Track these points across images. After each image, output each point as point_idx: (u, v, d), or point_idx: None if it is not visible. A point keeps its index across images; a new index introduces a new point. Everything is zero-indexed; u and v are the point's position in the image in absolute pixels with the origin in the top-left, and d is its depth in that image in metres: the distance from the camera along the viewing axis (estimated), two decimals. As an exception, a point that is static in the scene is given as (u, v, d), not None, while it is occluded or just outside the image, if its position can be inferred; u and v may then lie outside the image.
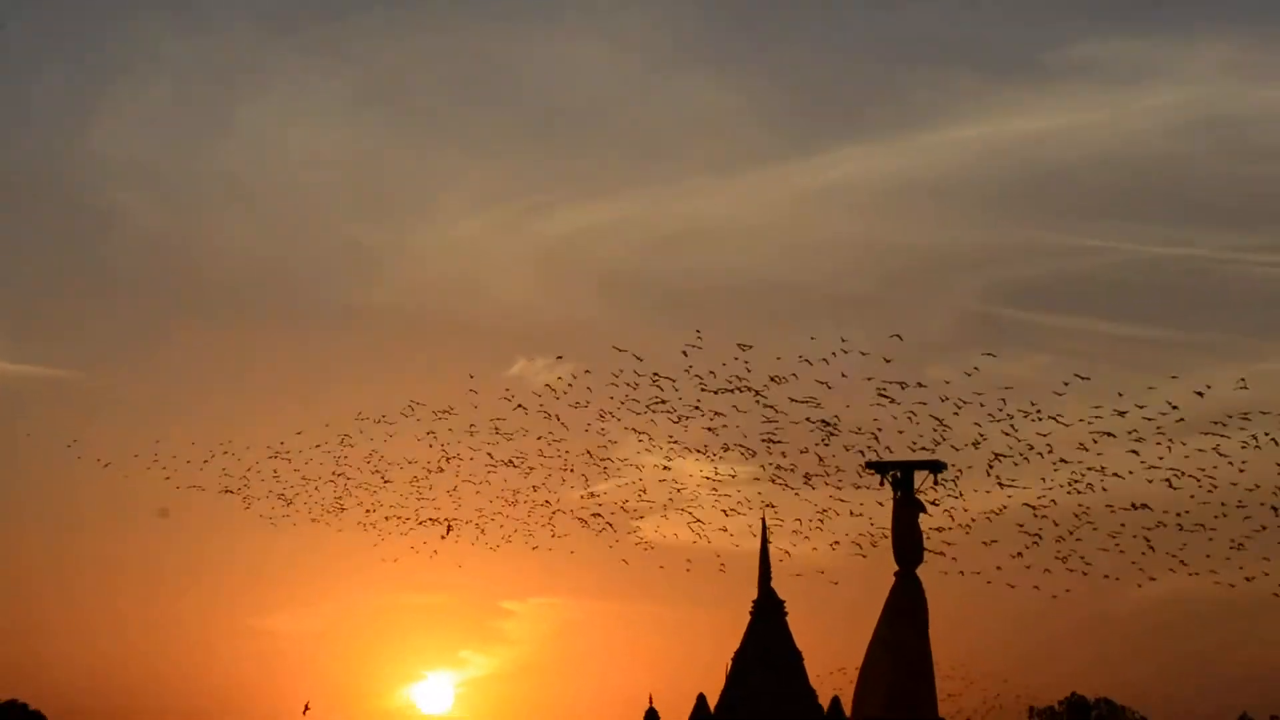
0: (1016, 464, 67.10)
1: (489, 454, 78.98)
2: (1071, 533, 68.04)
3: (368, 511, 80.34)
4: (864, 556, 72.11)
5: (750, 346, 71.10)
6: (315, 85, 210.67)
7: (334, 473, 79.82)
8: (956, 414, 66.50)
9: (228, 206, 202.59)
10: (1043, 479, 67.19)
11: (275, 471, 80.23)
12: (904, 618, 63.92)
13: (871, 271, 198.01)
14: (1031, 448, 67.48)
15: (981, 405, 67.02)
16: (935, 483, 65.01)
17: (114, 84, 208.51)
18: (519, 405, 76.03)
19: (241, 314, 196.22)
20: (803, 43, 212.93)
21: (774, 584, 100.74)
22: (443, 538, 79.01)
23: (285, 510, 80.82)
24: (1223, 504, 66.62)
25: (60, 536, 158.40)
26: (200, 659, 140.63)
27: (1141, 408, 65.47)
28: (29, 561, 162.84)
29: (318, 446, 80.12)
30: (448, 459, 79.58)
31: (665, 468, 76.95)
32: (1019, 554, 69.22)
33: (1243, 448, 64.68)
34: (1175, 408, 65.57)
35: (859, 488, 68.18)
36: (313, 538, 78.95)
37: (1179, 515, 67.09)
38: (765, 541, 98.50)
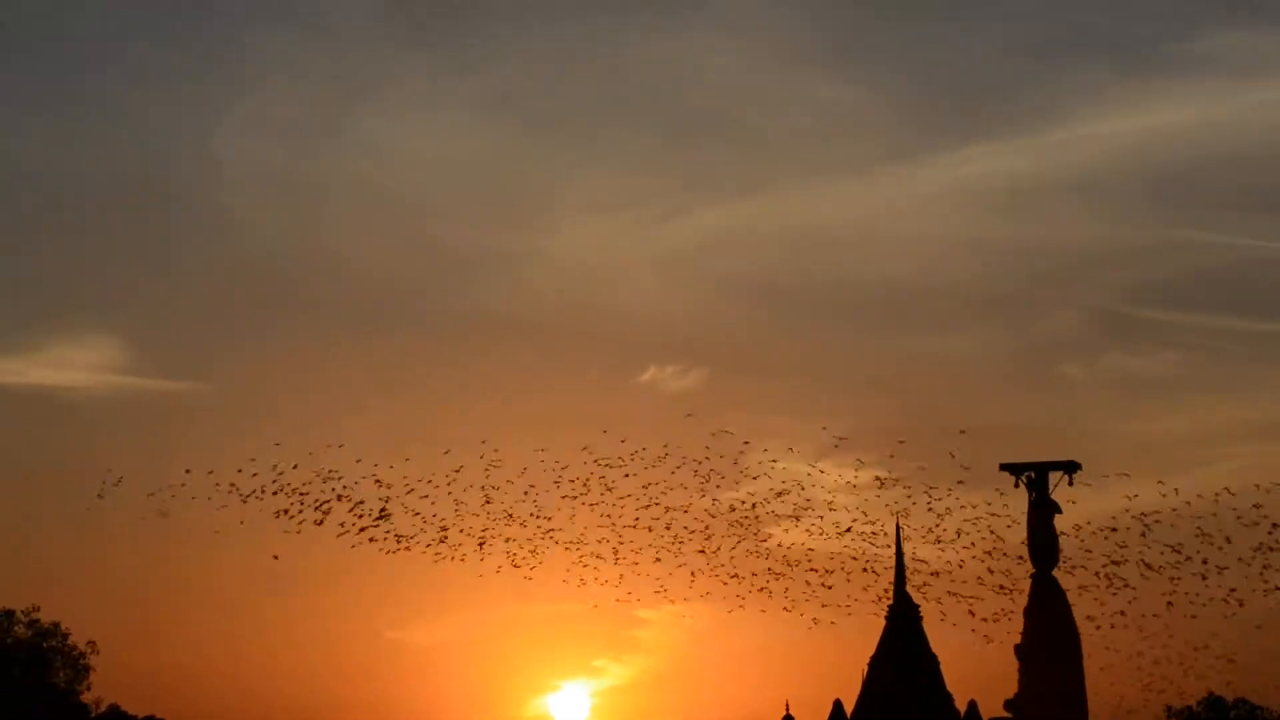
0: (1152, 463, 67.01)
1: (622, 460, 79.66)
2: (1208, 532, 67.75)
3: (509, 519, 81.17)
4: (999, 559, 72.17)
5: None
6: (438, 91, 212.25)
7: (479, 485, 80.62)
8: (1090, 413, 66.43)
9: (350, 214, 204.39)
10: (1177, 477, 67.03)
11: (411, 486, 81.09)
12: (1045, 619, 63.91)
13: (1004, 271, 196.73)
14: (1167, 446, 67.37)
15: (1116, 403, 66.91)
16: (1070, 483, 64.98)
17: (236, 92, 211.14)
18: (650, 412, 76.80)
19: (366, 323, 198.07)
20: (933, 40, 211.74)
21: (909, 588, 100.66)
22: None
23: (417, 523, 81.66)
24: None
25: (192, 550, 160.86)
26: (336, 671, 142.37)
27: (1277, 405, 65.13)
28: (158, 575, 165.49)
29: (447, 452, 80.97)
30: (579, 470, 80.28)
31: (800, 472, 77.31)
32: (1153, 552, 69.03)
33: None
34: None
35: (995, 490, 68.24)
36: (447, 550, 79.49)
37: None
38: (900, 545, 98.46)
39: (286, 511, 79.06)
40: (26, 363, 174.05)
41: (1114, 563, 69.78)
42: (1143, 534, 68.66)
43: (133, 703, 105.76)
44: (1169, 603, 71.63)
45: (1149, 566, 69.13)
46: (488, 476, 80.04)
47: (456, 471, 79.91)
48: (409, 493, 79.93)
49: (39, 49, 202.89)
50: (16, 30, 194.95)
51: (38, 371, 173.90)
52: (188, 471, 78.96)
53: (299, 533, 79.44)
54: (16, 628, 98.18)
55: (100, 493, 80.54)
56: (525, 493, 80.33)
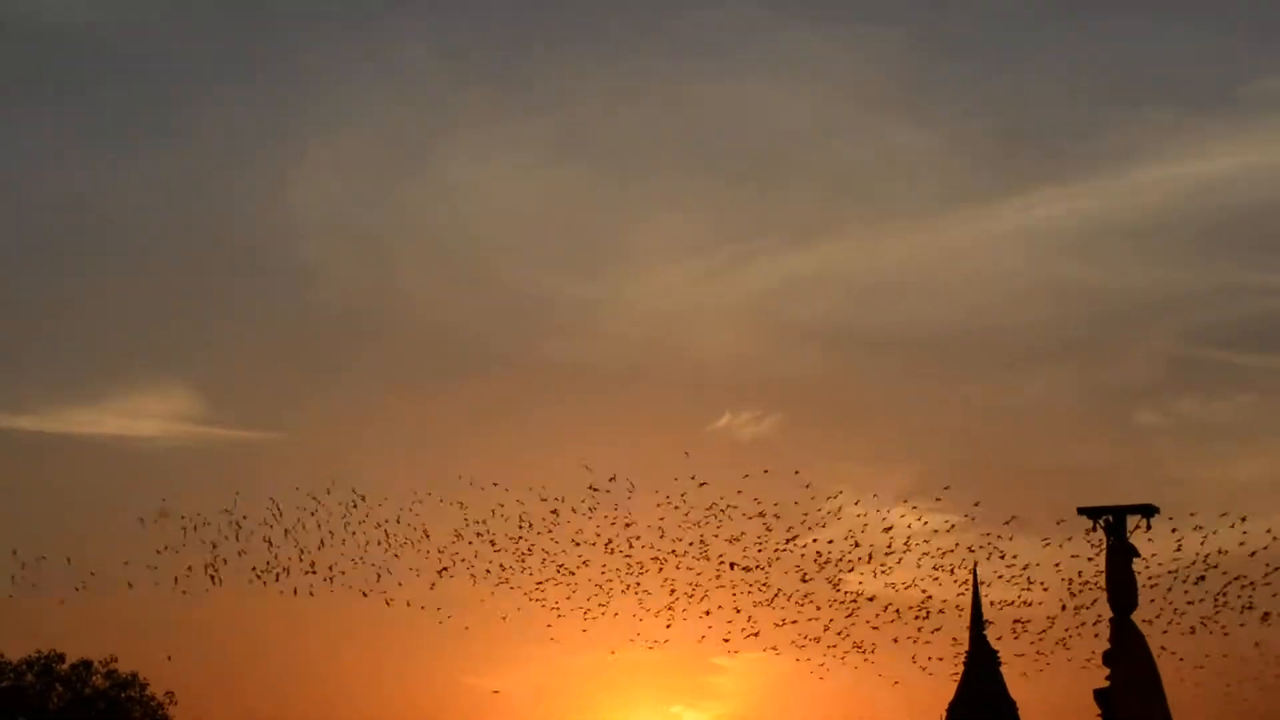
0: (1229, 506, 66.32)
1: (700, 508, 79.71)
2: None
3: (582, 568, 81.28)
4: (1078, 604, 71.57)
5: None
6: (511, 133, 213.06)
7: (547, 531, 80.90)
8: (1165, 457, 65.87)
9: (423, 261, 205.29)
10: (1255, 520, 66.36)
11: (488, 529, 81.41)
12: (1126, 664, 63.36)
13: (1074, 315, 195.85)
14: (1243, 489, 66.72)
15: (1190, 446, 66.36)
16: (1148, 527, 64.48)
17: (311, 138, 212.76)
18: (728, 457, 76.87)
19: (438, 370, 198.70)
20: (1002, 82, 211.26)
21: (987, 633, 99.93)
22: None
23: (499, 571, 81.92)
24: None
25: (275, 599, 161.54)
26: (414, 717, 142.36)
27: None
28: (241, 624, 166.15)
29: (522, 504, 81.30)
30: (660, 520, 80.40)
31: (875, 519, 77.08)
32: (1230, 599, 68.36)
33: None
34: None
35: (1072, 535, 67.71)
36: (526, 596, 79.80)
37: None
38: (976, 590, 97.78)
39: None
40: (101, 412, 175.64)
41: (1191, 604, 69.23)
42: (1221, 578, 67.97)
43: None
44: (1256, 643, 71.03)
45: (1227, 614, 68.47)
46: (561, 523, 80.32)
47: (527, 525, 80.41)
48: (479, 536, 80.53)
49: (114, 95, 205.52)
50: (89, 73, 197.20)
51: (113, 421, 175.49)
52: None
53: (378, 579, 79.95)
54: (95, 678, 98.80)
55: (144, 518, 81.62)
56: (597, 536, 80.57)
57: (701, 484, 79.47)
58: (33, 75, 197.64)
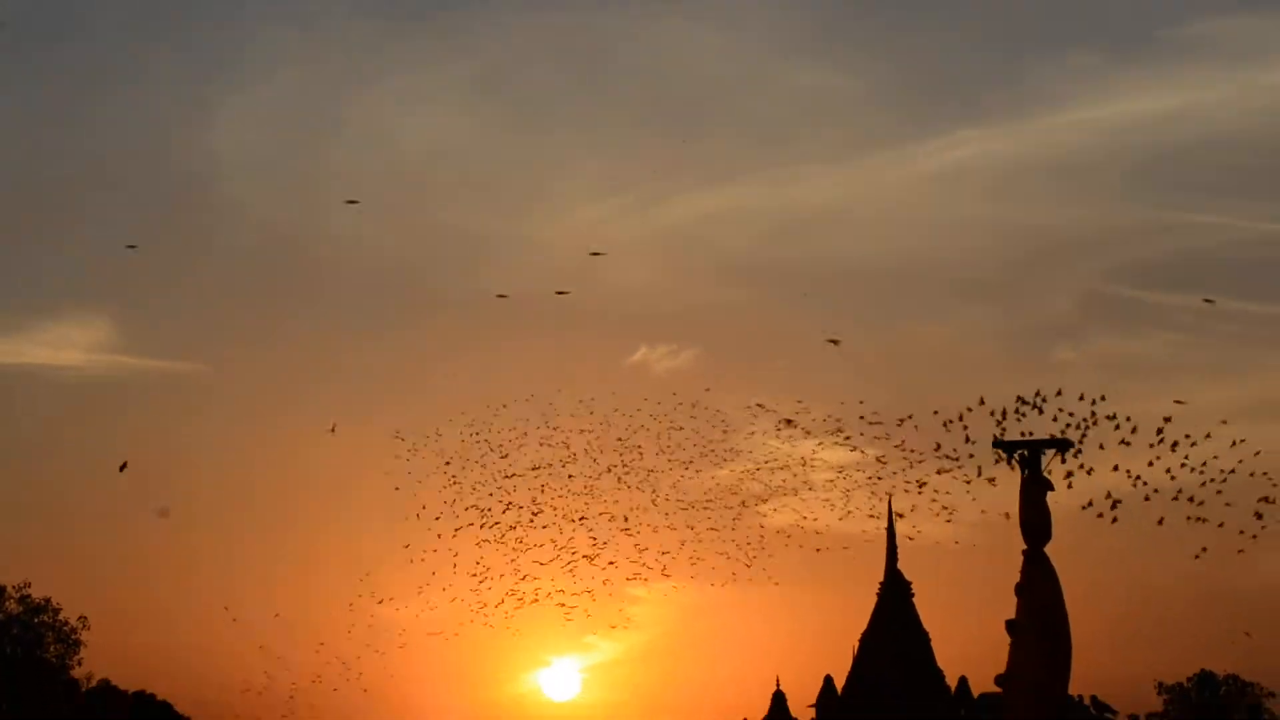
0: (1143, 442, 66.92)
1: (616, 440, 79.92)
2: (1200, 506, 67.77)
3: (491, 500, 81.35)
4: (991, 536, 72.27)
5: (838, 341, 71.70)
6: (430, 75, 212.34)
7: (452, 462, 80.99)
8: (1081, 395, 66.35)
9: (344, 199, 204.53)
10: (1168, 455, 66.96)
11: (401, 460, 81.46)
12: (1036, 596, 64.11)
13: (994, 254, 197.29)
14: (1157, 426, 67.32)
15: (1107, 384, 66.87)
16: (1063, 461, 65.11)
17: (229, 79, 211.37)
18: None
19: (359, 307, 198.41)
20: (920, 25, 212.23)
21: (900, 565, 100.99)
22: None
23: (402, 501, 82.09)
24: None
25: (184, 528, 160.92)
26: (324, 647, 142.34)
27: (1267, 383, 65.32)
28: (159, 554, 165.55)
29: (438, 436, 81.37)
30: (570, 451, 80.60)
31: (791, 452, 77.50)
32: (1145, 531, 69.14)
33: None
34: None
35: (987, 469, 68.25)
36: (436, 529, 79.92)
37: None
38: (891, 523, 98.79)
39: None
40: (24, 342, 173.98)
41: (1104, 541, 69.92)
42: (1134, 512, 68.69)
43: (123, 678, 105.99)
44: (1158, 579, 71.94)
45: (1140, 545, 69.36)
46: (482, 456, 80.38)
47: (450, 457, 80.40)
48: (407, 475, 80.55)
49: (40, 40, 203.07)
50: (17, 22, 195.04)
51: (35, 351, 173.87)
52: None
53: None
54: (8, 603, 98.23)
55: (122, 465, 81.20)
56: (514, 473, 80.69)
57: (613, 417, 79.74)
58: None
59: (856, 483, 78.21)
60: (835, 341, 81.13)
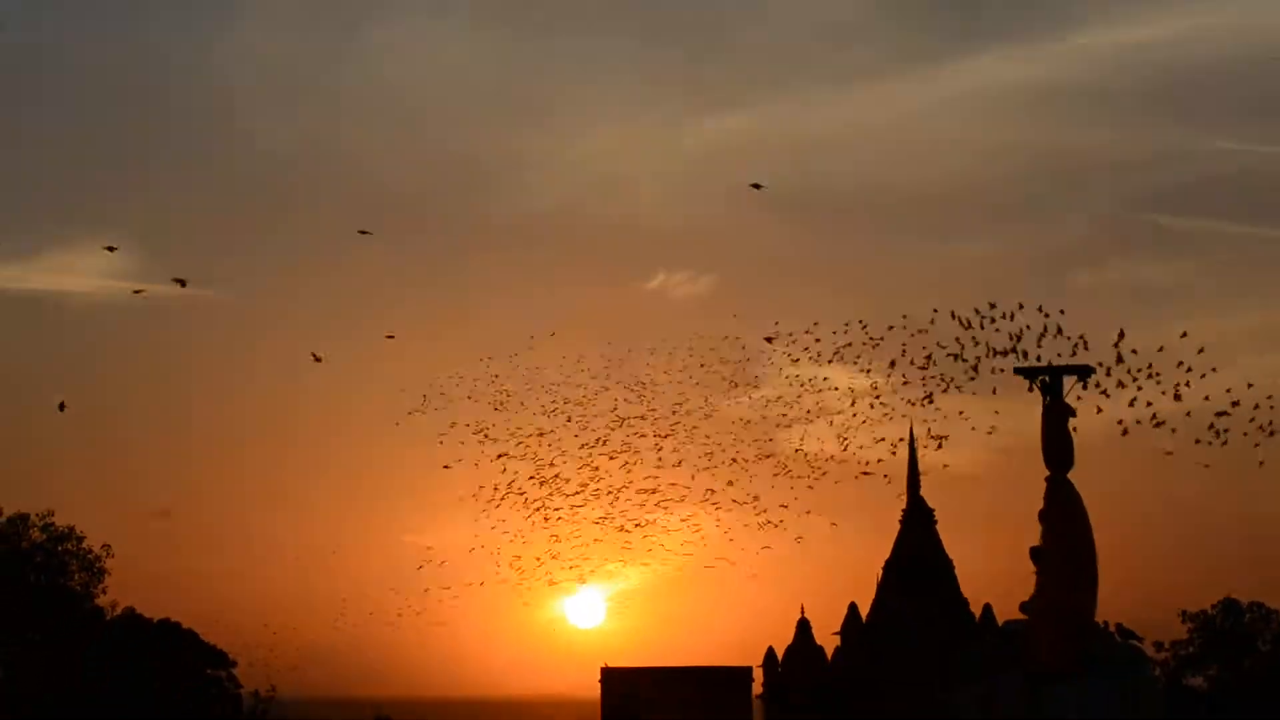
0: (1163, 367, 66.24)
1: (638, 367, 79.73)
2: (1220, 433, 67.22)
3: (516, 431, 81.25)
4: (1014, 463, 71.83)
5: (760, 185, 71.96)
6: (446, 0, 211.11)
7: (491, 391, 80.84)
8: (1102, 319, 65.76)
9: (355, 121, 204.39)
10: (1188, 381, 66.31)
11: (438, 391, 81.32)
12: (1061, 522, 63.79)
13: (1013, 178, 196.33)
14: (1177, 352, 66.72)
15: (1127, 309, 66.28)
16: (1084, 387, 64.70)
17: (242, 8, 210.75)
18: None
19: (372, 227, 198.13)
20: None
21: (923, 493, 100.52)
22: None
23: (441, 431, 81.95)
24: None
25: (214, 455, 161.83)
26: (352, 574, 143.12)
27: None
28: (180, 482, 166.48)
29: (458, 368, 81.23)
30: (593, 377, 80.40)
31: (812, 377, 77.09)
32: (1163, 459, 68.68)
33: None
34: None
35: (1009, 394, 67.79)
36: (467, 457, 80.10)
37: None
38: (913, 450, 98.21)
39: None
40: (28, 268, 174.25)
41: (1128, 466, 69.53)
42: (1156, 437, 68.13)
43: (148, 606, 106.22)
44: (1183, 506, 71.43)
45: (1163, 470, 68.92)
46: (494, 381, 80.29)
47: (459, 383, 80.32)
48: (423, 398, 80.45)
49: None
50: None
51: (40, 277, 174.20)
52: None
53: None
54: (32, 531, 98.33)
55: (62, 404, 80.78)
56: (524, 401, 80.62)
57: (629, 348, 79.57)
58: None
59: (877, 409, 77.75)
60: (758, 185, 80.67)
